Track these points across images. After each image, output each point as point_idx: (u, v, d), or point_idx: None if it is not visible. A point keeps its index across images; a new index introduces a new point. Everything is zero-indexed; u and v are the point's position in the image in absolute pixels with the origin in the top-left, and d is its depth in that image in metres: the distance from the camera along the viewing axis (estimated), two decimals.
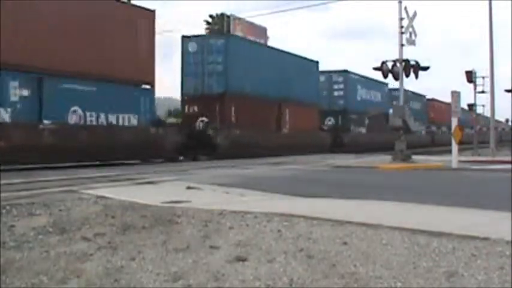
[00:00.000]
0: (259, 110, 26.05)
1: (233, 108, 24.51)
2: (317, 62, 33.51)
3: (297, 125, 29.09)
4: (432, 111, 54.85)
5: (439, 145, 45.29)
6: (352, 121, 37.31)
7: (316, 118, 32.60)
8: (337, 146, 33.29)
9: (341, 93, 36.67)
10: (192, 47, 24.85)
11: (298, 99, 29.43)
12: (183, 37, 25.38)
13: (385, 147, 36.07)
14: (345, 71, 37.30)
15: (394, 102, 44.73)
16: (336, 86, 36.70)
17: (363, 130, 38.95)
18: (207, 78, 24.61)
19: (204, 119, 23.90)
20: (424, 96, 52.17)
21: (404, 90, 41.08)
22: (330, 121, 35.84)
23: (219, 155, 22.58)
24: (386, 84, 41.74)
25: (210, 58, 24.60)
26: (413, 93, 46.69)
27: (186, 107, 24.98)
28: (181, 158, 21.70)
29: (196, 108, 24.50)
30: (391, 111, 21.71)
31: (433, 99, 55.61)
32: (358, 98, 38.39)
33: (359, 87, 38.64)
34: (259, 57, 27.29)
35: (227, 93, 24.27)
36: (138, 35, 19.83)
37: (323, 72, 35.56)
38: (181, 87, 25.22)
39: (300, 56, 31.69)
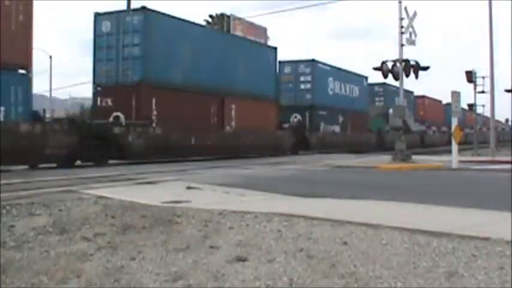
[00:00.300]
0: (194, 104, 21.48)
1: (154, 101, 19.95)
2: (275, 49, 28.42)
3: (247, 122, 24.50)
4: (422, 109, 50.63)
5: (429, 146, 42.98)
6: (321, 118, 32.63)
7: (274, 114, 27.66)
8: (302, 146, 29.73)
9: (308, 86, 31.90)
10: (105, 26, 20.27)
11: (249, 92, 24.92)
12: (96, 15, 20.74)
13: (363, 149, 32.88)
14: (313, 60, 32.43)
15: (377, 99, 42.25)
16: (302, 78, 31.94)
17: (337, 128, 34.57)
18: (122, 64, 20.00)
19: (119, 114, 19.16)
20: (411, 93, 47.36)
21: (386, 84, 40.06)
22: (295, 118, 31.27)
23: (131, 157, 18.82)
24: (366, 78, 38.54)
25: (126, 39, 20.04)
26: (398, 88, 43.78)
27: (99, 100, 20.21)
28: (79, 162, 17.47)
29: (109, 102, 19.80)
30: (391, 111, 21.67)
31: (423, 96, 51.30)
32: (330, 92, 33.77)
33: (330, 79, 33.89)
34: (194, 40, 22.21)
35: (145, 82, 19.72)
36: (7, 10, 15.28)
37: (289, 62, 31.98)
38: (93, 75, 20.64)
39: (251, 41, 27.53)
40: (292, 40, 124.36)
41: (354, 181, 13.39)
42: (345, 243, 4.80)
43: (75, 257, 4.42)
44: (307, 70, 32.03)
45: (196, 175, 13.64)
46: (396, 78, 21.97)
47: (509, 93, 33.17)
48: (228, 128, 24.04)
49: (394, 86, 42.04)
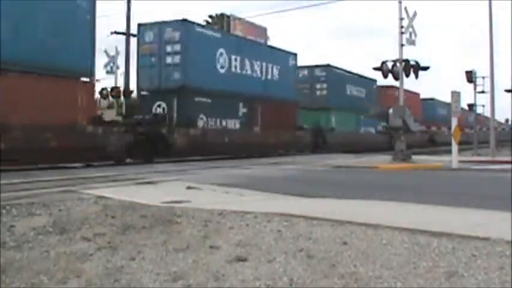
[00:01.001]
0: None
1: None
2: None
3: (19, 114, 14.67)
4: (388, 101, 36.03)
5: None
6: (201, 108, 22.60)
7: (86, 98, 17.36)
8: (158, 150, 19.90)
9: (177, 59, 21.84)
10: None
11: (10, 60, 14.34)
12: None
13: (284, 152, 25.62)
14: (184, 21, 22.19)
15: (318, 86, 33.14)
16: (169, 48, 21.97)
17: (236, 124, 24.73)
18: None
19: None
20: (374, 81, 38.19)
21: (331, 66, 33.36)
22: (159, 107, 21.90)
23: None
24: (294, 55, 29.22)
25: None
26: (353, 74, 36.14)
27: None
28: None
29: None
30: (391, 111, 21.65)
31: (392, 87, 35.56)
32: (221, 70, 23.71)
33: (221, 51, 23.72)
34: None
35: None
36: None
37: (150, 24, 22.27)
38: None
39: None
40: (292, 40, 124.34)
41: (354, 181, 13.39)
42: (345, 243, 4.80)
43: (75, 257, 4.42)
44: (176, 36, 21.95)
45: (196, 175, 13.64)
46: (396, 78, 22.00)
47: (509, 93, 33.22)
48: None
49: (343, 70, 35.61)
